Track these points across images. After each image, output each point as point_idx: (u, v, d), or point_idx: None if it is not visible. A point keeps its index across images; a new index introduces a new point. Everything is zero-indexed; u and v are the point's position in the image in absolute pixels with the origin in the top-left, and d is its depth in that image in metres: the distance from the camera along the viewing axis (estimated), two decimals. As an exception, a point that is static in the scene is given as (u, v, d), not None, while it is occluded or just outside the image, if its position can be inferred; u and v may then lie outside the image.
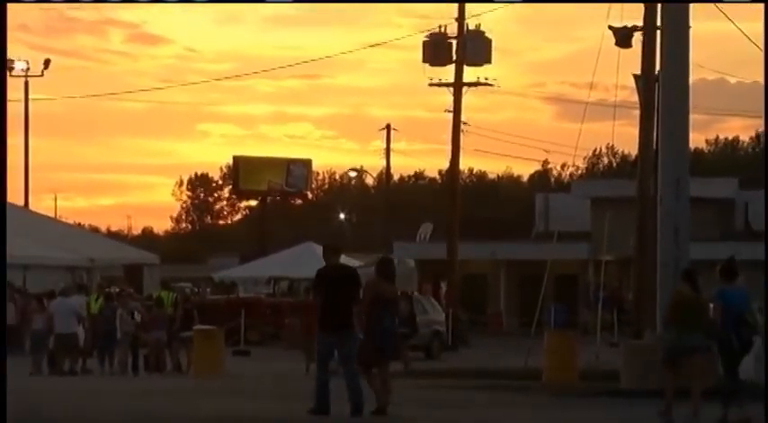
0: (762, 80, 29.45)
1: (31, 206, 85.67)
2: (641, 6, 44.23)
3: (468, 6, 68.24)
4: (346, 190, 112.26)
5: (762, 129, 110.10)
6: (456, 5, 68.21)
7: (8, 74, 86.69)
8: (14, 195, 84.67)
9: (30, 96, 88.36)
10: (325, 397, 29.37)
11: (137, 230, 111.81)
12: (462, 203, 73.20)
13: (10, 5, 25.20)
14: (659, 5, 40.87)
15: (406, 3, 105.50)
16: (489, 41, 68.71)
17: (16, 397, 31.59)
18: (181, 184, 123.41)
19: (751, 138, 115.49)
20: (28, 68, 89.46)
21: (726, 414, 29.71)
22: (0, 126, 24.22)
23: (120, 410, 31.49)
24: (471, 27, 68.49)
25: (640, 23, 45.07)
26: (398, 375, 43.87)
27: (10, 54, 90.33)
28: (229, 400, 34.66)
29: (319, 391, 29.50)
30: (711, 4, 39.04)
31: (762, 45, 23.44)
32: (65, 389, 36.56)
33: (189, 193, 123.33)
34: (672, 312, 32.31)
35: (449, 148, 69.80)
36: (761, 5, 25.74)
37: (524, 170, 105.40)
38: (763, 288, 34.68)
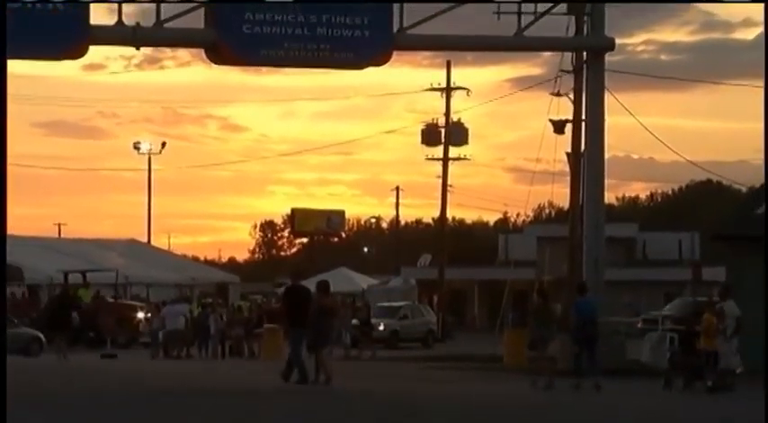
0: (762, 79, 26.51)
1: (153, 242, 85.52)
2: (571, 105, 44.17)
3: (453, 104, 67.72)
4: (369, 231, 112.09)
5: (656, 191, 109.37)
6: (443, 102, 67.54)
7: (137, 152, 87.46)
8: (141, 235, 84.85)
9: (152, 167, 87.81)
10: (296, 366, 28.51)
11: (224, 259, 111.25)
12: (448, 241, 73.23)
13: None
14: (584, 104, 39.14)
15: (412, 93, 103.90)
16: (466, 130, 68.17)
17: (140, 374, 32.17)
18: (255, 227, 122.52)
19: (646, 196, 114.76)
20: (151, 149, 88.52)
21: (579, 383, 29.11)
22: (0, 126, 20.39)
23: (208, 381, 30.88)
24: (454, 120, 67.99)
25: (570, 117, 44.96)
26: (402, 359, 44.44)
27: (139, 138, 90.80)
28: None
29: (298, 362, 28.64)
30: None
31: (762, 45, 21.77)
32: (173, 369, 36.28)
33: (260, 234, 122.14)
34: (531, 316, 32.01)
35: (439, 202, 69.77)
36: (761, 5, 23.35)
37: (491, 218, 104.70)
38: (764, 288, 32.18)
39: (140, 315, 53.15)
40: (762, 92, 23.76)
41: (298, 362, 28.79)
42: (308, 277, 78.80)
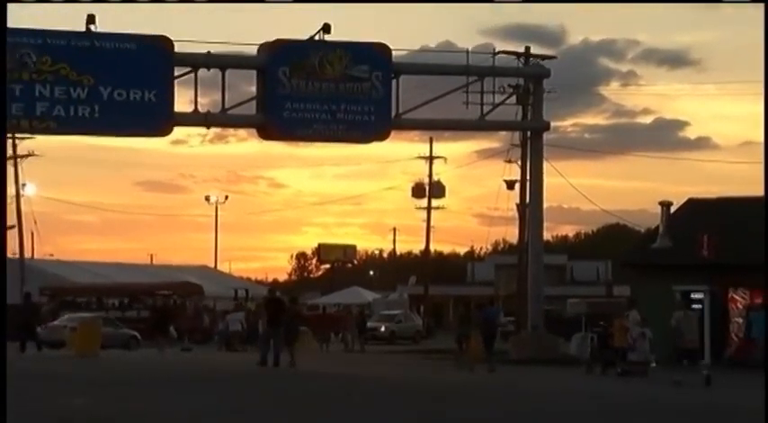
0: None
1: (218, 268, 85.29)
2: (519, 170, 44.08)
3: (434, 168, 68.00)
4: (374, 260, 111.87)
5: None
6: (427, 167, 67.81)
7: (207, 202, 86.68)
8: (209, 262, 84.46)
9: (218, 214, 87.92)
10: (265, 356, 28.55)
11: (269, 279, 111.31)
12: (431, 267, 73.23)
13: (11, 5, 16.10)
14: (528, 169, 38.93)
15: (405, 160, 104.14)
16: (444, 187, 68.40)
17: (209, 361, 31.85)
18: (292, 256, 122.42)
19: (573, 234, 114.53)
20: (217, 200, 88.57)
21: (492, 368, 29.20)
22: (1, 127, 18.90)
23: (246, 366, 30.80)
24: (435, 180, 68.19)
25: (518, 178, 44.85)
26: (397, 352, 44.14)
27: (209, 192, 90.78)
28: (316, 363, 33.76)
29: (262, 354, 28.77)
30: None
31: (761, 45, 19.42)
32: (232, 359, 35.88)
33: (295, 261, 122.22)
34: (457, 320, 34.76)
35: (424, 239, 70.03)
36: (761, 5, 19.97)
37: (462, 250, 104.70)
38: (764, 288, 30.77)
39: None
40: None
41: (277, 351, 28.64)
42: (328, 293, 79.79)
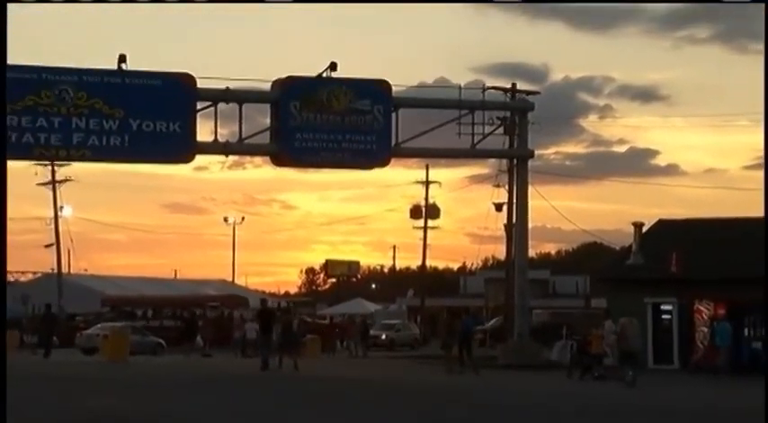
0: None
1: (235, 281, 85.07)
2: (506, 193, 44.02)
3: (430, 192, 67.96)
4: (376, 274, 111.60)
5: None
6: (424, 191, 67.70)
7: (226, 223, 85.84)
8: (228, 276, 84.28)
9: (235, 233, 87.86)
10: (267, 360, 28.90)
11: (281, 292, 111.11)
12: (427, 280, 72.92)
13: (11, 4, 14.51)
14: (514, 192, 38.36)
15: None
16: (439, 209, 67.67)
17: (224, 365, 31.70)
18: (301, 271, 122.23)
19: (556, 252, 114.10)
20: (235, 221, 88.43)
21: (476, 370, 29.34)
22: (1, 128, 18.10)
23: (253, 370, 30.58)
24: (431, 202, 68.02)
25: (506, 201, 44.84)
26: (396, 357, 43.88)
27: (227, 214, 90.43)
28: (326, 368, 32.23)
29: (263, 358, 29.06)
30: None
31: (762, 45, 17.82)
32: (245, 364, 35.47)
33: (305, 276, 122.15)
34: (443, 329, 34.57)
35: (421, 255, 69.75)
36: (761, 5, 17.66)
37: (455, 265, 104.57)
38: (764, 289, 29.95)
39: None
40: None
41: (265, 357, 28.91)
42: (334, 305, 79.61)
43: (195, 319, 44.51)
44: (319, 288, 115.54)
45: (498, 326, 50.39)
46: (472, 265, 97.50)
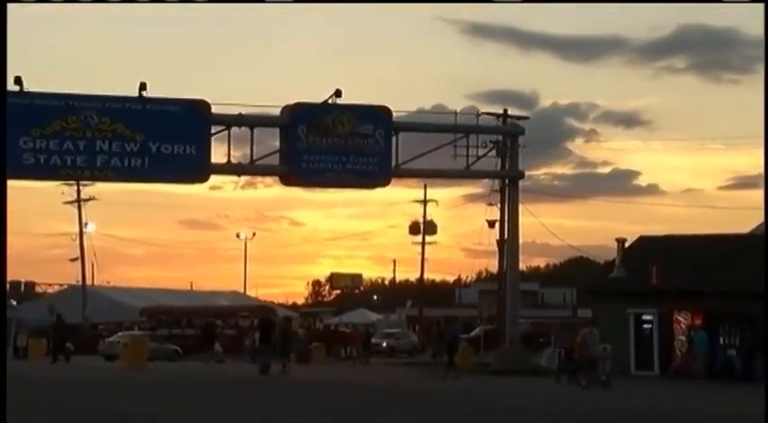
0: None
1: (247, 293, 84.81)
2: (498, 211, 43.91)
3: (428, 210, 67.99)
4: (377, 286, 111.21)
5: None
6: (422, 209, 67.80)
7: (238, 238, 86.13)
8: (240, 288, 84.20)
9: (247, 247, 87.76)
10: (267, 366, 29.07)
11: (289, 303, 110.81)
12: (425, 292, 72.85)
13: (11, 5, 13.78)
14: (506, 210, 38.54)
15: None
16: (436, 225, 67.85)
17: (233, 370, 31.91)
18: (308, 283, 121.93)
19: (544, 265, 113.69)
20: (246, 236, 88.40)
21: (455, 376, 29.79)
22: (1, 128, 17.51)
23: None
24: (429, 219, 68.06)
25: (498, 218, 44.79)
26: (395, 364, 43.95)
27: (240, 230, 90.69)
28: (327, 372, 32.88)
29: (263, 364, 29.31)
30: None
31: (762, 45, 16.77)
32: (253, 369, 35.13)
33: (311, 287, 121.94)
34: (433, 337, 35.49)
35: (419, 269, 69.73)
36: (760, 5, 16.79)
37: (451, 278, 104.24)
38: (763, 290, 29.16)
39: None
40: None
41: (264, 362, 29.12)
42: (338, 314, 79.44)
43: (213, 328, 44.49)
44: (325, 299, 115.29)
45: (481, 334, 50.41)
46: (467, 277, 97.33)
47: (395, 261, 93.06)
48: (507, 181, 38.81)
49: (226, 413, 16.98)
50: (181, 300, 67.58)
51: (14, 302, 60.52)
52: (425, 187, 65.51)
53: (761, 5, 16.19)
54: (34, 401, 17.75)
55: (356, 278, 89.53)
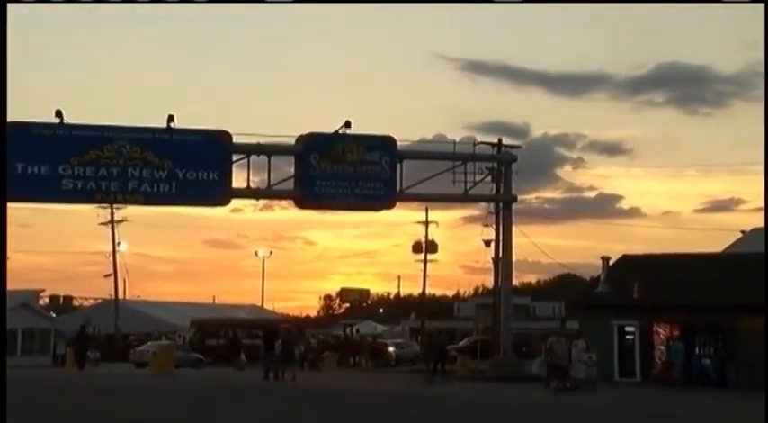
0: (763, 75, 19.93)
1: (264, 306, 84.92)
2: (493, 232, 43.75)
3: (429, 231, 67.96)
4: (383, 300, 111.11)
5: None
6: (424, 230, 67.73)
7: (256, 256, 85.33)
8: (258, 302, 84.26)
9: (264, 265, 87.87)
10: (269, 372, 29.36)
11: (303, 315, 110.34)
12: (426, 306, 72.72)
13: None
14: (501, 231, 37.94)
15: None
16: (437, 245, 67.21)
17: (248, 378, 31.42)
18: (320, 297, 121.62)
19: (535, 281, 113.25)
20: (264, 254, 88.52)
21: (442, 382, 29.88)
22: (0, 128, 16.65)
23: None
24: (430, 239, 67.82)
25: (493, 238, 44.58)
26: (400, 371, 43.64)
27: (257, 248, 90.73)
28: (333, 379, 32.50)
29: (266, 370, 29.62)
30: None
31: (761, 45, 15.78)
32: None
33: (323, 301, 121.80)
34: (426, 347, 33.30)
35: (421, 284, 69.46)
36: (760, 5, 15.66)
37: (450, 293, 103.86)
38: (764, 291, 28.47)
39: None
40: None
41: (267, 369, 29.40)
42: (348, 326, 79.12)
43: (238, 339, 44.24)
44: (335, 312, 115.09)
45: (469, 345, 50.08)
46: (465, 292, 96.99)
47: (399, 277, 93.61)
48: (502, 204, 38.64)
49: (216, 412, 16.97)
50: (203, 312, 67.49)
51: (54, 314, 60.49)
52: (427, 210, 65.20)
53: (761, 5, 15.63)
54: (64, 405, 17.83)
55: (364, 293, 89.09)
